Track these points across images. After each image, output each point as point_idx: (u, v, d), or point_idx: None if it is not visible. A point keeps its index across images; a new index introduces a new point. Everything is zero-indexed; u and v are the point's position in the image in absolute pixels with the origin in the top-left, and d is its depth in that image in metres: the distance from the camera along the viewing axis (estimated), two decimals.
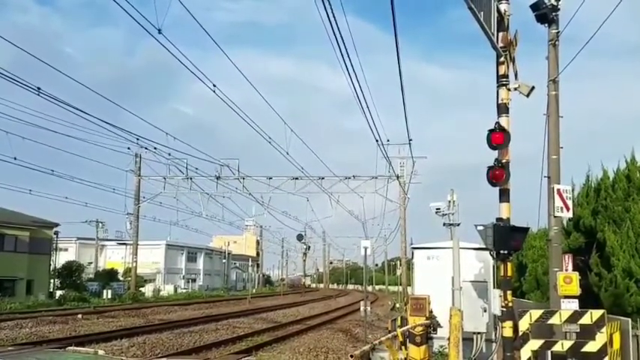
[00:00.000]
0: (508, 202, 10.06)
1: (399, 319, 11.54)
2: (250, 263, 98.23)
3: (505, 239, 9.74)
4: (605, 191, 15.72)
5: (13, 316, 27.26)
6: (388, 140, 33.04)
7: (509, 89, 10.22)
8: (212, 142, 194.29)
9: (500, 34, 9.96)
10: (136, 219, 47.42)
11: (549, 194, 11.63)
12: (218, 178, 40.81)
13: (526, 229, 10.84)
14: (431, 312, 9.98)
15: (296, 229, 75.99)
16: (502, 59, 10.12)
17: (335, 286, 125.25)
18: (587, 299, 12.16)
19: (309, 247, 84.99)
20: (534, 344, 9.95)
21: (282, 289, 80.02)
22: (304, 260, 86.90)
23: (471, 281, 13.76)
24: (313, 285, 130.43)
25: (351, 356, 7.03)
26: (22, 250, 44.02)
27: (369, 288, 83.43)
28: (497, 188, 10.07)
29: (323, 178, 40.80)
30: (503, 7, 10.11)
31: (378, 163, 46.78)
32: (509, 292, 9.97)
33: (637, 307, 13.21)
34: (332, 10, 9.24)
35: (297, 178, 40.50)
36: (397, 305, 39.84)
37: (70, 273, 51.06)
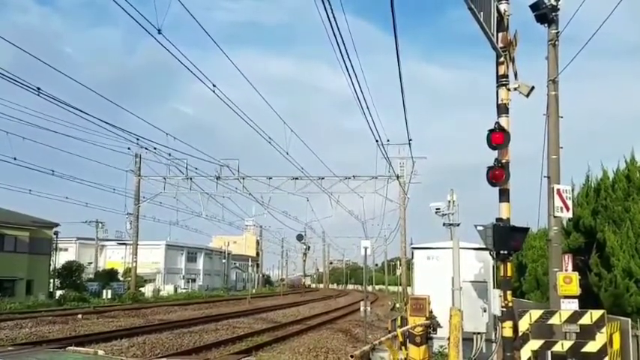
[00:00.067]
0: (508, 202, 10.06)
1: (399, 319, 11.55)
2: (250, 263, 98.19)
3: (505, 239, 9.74)
4: (605, 191, 15.72)
5: (13, 316, 27.27)
6: (388, 140, 33.03)
7: (509, 89, 10.22)
8: (212, 142, 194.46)
9: (500, 34, 9.97)
10: (135, 219, 47.42)
11: (549, 194, 11.62)
12: (218, 178, 40.82)
13: (526, 229, 10.84)
14: (431, 312, 9.98)
15: (296, 229, 76.07)
16: (502, 59, 10.12)
17: (335, 286, 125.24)
18: (587, 299, 12.15)
19: (309, 247, 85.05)
20: (534, 344, 9.95)
21: (282, 289, 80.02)
22: (304, 260, 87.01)
23: (470, 281, 13.76)
24: (313, 285, 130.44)
25: (351, 356, 7.03)
26: (22, 250, 44.02)
27: (369, 288, 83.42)
28: (497, 188, 10.07)
29: (323, 178, 40.81)
30: (503, 7, 10.12)
31: (378, 163, 46.76)
32: (509, 292, 9.97)
33: (637, 307, 13.20)
34: (332, 10, 9.25)
35: (297, 178, 40.51)
36: (397, 305, 39.84)
37: (70, 273, 51.07)
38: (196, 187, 42.66)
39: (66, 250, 70.25)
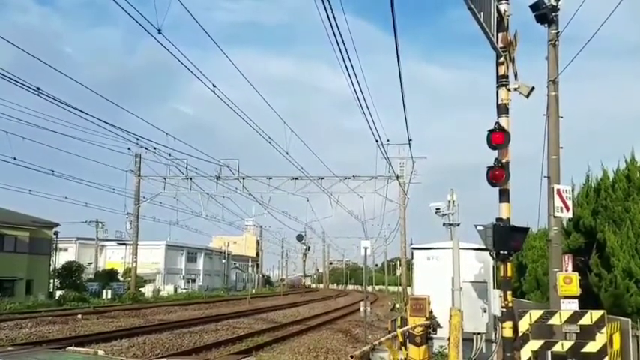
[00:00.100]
0: (508, 202, 10.06)
1: (399, 319, 11.55)
2: (250, 263, 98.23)
3: (505, 239, 9.74)
4: (604, 191, 15.72)
5: (13, 316, 27.27)
6: (388, 140, 33.03)
7: (509, 89, 10.22)
8: (212, 142, 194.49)
9: (500, 34, 9.96)
10: (135, 219, 47.42)
11: (549, 194, 11.63)
12: (218, 178, 40.83)
13: (526, 230, 10.84)
14: (431, 312, 9.99)
15: (296, 229, 76.03)
16: (502, 59, 10.12)
17: (335, 286, 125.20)
18: (587, 299, 12.16)
19: (309, 247, 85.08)
20: (534, 344, 9.95)
21: (282, 289, 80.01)
22: (304, 260, 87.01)
23: (470, 281, 13.76)
24: (313, 285, 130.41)
25: (351, 356, 7.03)
26: (21, 250, 44.03)
27: (369, 288, 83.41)
28: (497, 188, 10.07)
29: (323, 179, 40.82)
30: (503, 7, 10.12)
31: (378, 164, 46.78)
32: (509, 293, 9.97)
33: (637, 308, 13.20)
34: (332, 10, 9.24)
35: (297, 179, 40.52)
36: (397, 305, 39.84)
37: (70, 273, 51.08)
38: (196, 187, 42.73)
39: (66, 250, 70.24)
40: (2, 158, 28.36)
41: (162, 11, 12.81)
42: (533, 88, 10.43)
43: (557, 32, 12.08)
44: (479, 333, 13.71)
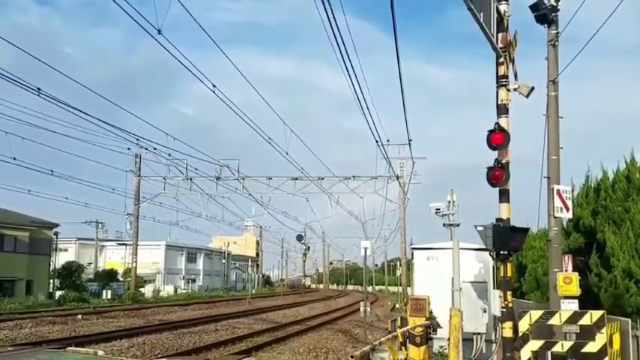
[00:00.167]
0: (508, 202, 10.06)
1: (398, 319, 11.56)
2: (250, 264, 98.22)
3: (505, 240, 9.74)
4: (604, 192, 15.72)
5: (13, 317, 27.25)
6: (388, 141, 33.03)
7: (508, 90, 10.22)
8: (212, 142, 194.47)
9: (500, 34, 9.97)
10: (135, 219, 47.42)
11: (549, 195, 11.63)
12: (218, 178, 40.84)
13: (526, 230, 10.84)
14: (431, 312, 9.99)
15: (296, 229, 75.99)
16: (502, 60, 10.12)
17: (335, 286, 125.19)
18: (587, 300, 12.15)
19: (309, 247, 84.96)
20: (534, 345, 9.95)
21: (282, 289, 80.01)
22: (304, 261, 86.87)
23: (470, 282, 13.77)
24: (313, 285, 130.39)
25: (351, 357, 7.03)
26: (21, 250, 44.02)
27: (369, 288, 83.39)
28: (497, 189, 10.07)
29: (323, 179, 40.83)
30: (502, 7, 10.12)
31: (378, 164, 46.83)
32: (509, 293, 9.97)
33: (637, 308, 13.21)
34: (332, 10, 9.25)
35: (296, 179, 40.53)
36: (397, 306, 39.84)
37: (70, 273, 51.08)
38: (196, 187, 42.75)
39: (66, 250, 70.23)
40: (2, 158, 28.40)
41: (162, 11, 12.86)
42: (533, 88, 10.43)
43: (557, 32, 12.08)
44: (479, 333, 13.71)
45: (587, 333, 9.67)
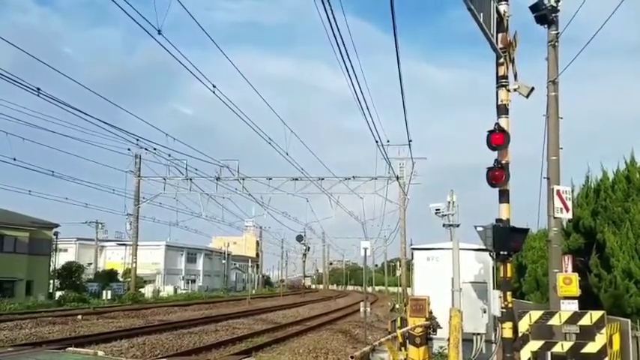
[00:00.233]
0: (508, 202, 10.07)
1: (398, 320, 11.56)
2: (250, 264, 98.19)
3: (505, 240, 9.74)
4: (604, 192, 15.72)
5: (13, 317, 27.24)
6: (388, 141, 33.10)
7: (508, 90, 10.22)
8: (212, 142, 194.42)
9: (500, 35, 9.97)
10: (135, 220, 47.42)
11: (549, 195, 11.63)
12: (218, 178, 40.85)
13: (526, 230, 10.85)
14: (430, 313, 9.98)
15: (296, 229, 76.00)
16: (501, 60, 10.12)
17: (334, 287, 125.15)
18: (587, 300, 12.16)
19: (309, 247, 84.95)
20: (534, 345, 9.95)
21: (282, 290, 80.00)
22: (304, 261, 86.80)
23: (470, 282, 13.78)
24: (313, 286, 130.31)
25: (351, 357, 7.03)
26: (21, 250, 44.01)
27: (369, 289, 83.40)
28: (497, 189, 10.07)
29: (323, 179, 40.83)
30: (502, 8, 10.13)
31: (378, 164, 46.81)
32: (508, 293, 9.97)
33: (637, 308, 13.21)
34: (332, 10, 9.25)
35: (296, 179, 40.54)
36: (397, 306, 39.84)
37: (70, 274, 51.06)
38: (196, 187, 42.76)
39: (66, 250, 70.20)
40: (2, 159, 28.39)
41: (162, 12, 12.85)
42: (532, 88, 10.44)
43: (557, 33, 12.09)
44: (479, 334, 13.72)
45: (587, 333, 9.67)
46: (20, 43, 16.49)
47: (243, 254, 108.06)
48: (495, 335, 12.64)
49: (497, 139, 9.84)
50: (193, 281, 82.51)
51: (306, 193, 43.25)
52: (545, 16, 11.88)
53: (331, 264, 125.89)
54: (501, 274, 10.12)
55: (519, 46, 10.34)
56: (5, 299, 37.52)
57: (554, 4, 11.81)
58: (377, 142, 21.47)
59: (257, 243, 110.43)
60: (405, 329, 9.66)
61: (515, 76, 10.35)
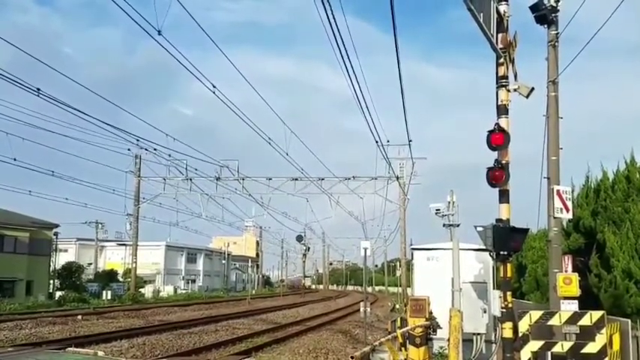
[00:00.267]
0: (508, 203, 10.07)
1: (398, 320, 11.55)
2: (250, 264, 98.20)
3: (505, 240, 9.74)
4: (604, 192, 15.72)
5: (13, 317, 27.24)
6: (388, 141, 33.10)
7: (508, 90, 10.23)
8: (212, 142, 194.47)
9: (500, 35, 9.97)
10: (135, 220, 47.41)
11: (549, 195, 11.63)
12: (218, 179, 40.85)
13: (526, 230, 10.85)
14: (430, 313, 9.98)
15: (296, 230, 76.01)
16: (501, 60, 10.13)
17: (335, 287, 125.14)
18: (587, 300, 12.15)
19: (309, 248, 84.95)
20: (534, 345, 9.95)
21: (282, 290, 80.00)
22: (304, 261, 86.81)
23: (470, 282, 13.77)
24: (313, 286, 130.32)
25: (352, 357, 7.03)
26: (21, 251, 44.01)
27: (369, 289, 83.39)
28: (497, 189, 10.07)
29: (323, 179, 40.82)
30: (502, 8, 10.13)
31: (378, 164, 46.80)
32: (508, 293, 9.97)
33: (637, 308, 13.20)
34: (332, 10, 9.26)
35: (296, 179, 40.53)
36: (397, 306, 39.83)
37: (70, 274, 51.06)
38: (196, 187, 42.76)
39: (66, 251, 70.19)
40: (2, 159, 28.38)
41: (162, 12, 12.84)
42: (532, 88, 10.44)
43: (557, 33, 12.09)
44: (479, 334, 13.72)
45: (587, 333, 9.67)
46: (20, 43, 16.50)
47: (243, 254, 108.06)
48: (495, 335, 12.64)
49: (497, 139, 9.84)
50: (193, 281, 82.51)
51: (306, 193, 43.29)
52: (545, 16, 11.88)
53: (331, 264, 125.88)
54: (501, 274, 10.12)
55: (519, 46, 10.35)
56: (5, 299, 37.53)
57: (554, 4, 11.82)
58: (377, 142, 21.50)
59: (257, 243, 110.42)
60: (405, 329, 9.65)
61: (515, 76, 10.35)
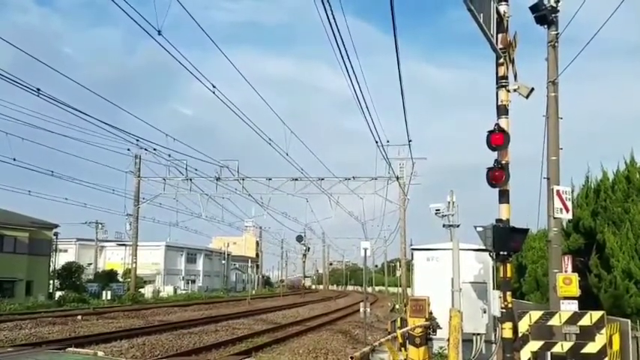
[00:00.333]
0: (508, 203, 10.07)
1: (398, 320, 11.56)
2: (250, 264, 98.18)
3: (505, 240, 9.74)
4: (604, 192, 15.73)
5: (13, 317, 27.24)
6: (388, 141, 33.12)
7: (508, 91, 10.23)
8: (212, 143, 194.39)
9: (500, 35, 9.98)
10: (135, 220, 47.41)
11: (549, 195, 11.63)
12: (218, 179, 40.86)
13: (526, 230, 10.85)
14: (430, 313, 9.98)
15: (296, 230, 76.05)
16: (501, 61, 10.13)
17: (334, 287, 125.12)
18: (587, 300, 12.16)
19: (309, 248, 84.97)
20: (534, 345, 9.95)
21: (282, 290, 79.99)
22: (304, 261, 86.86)
23: (470, 282, 13.77)
24: (313, 286, 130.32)
25: (351, 357, 7.03)
26: (21, 251, 44.02)
27: (369, 289, 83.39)
28: (497, 189, 10.08)
29: (323, 179, 40.83)
30: (502, 8, 10.13)
31: (378, 164, 46.79)
32: (508, 294, 9.97)
33: (636, 309, 13.21)
34: (332, 10, 9.27)
35: (296, 179, 40.54)
36: (397, 306, 39.84)
37: (70, 274, 51.07)
38: (196, 188, 42.78)
39: (65, 251, 70.17)
40: (2, 159, 28.39)
41: (162, 12, 12.85)
42: (532, 89, 10.45)
43: (557, 33, 12.09)
44: (478, 334, 13.72)
45: (587, 334, 9.67)
46: (20, 44, 16.53)
47: (243, 254, 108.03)
48: (495, 335, 12.64)
49: (497, 139, 9.85)
50: (193, 281, 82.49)
51: (306, 194, 43.30)
52: (545, 16, 11.88)
53: (331, 264, 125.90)
54: (501, 275, 10.12)
55: (519, 47, 10.35)
56: (5, 299, 37.53)
57: (554, 5, 11.82)
58: (377, 142, 21.53)
59: (257, 243, 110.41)
60: (404, 329, 9.66)
61: (515, 77, 10.36)
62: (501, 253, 9.83)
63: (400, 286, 47.14)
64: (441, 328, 10.23)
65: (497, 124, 9.95)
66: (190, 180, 41.70)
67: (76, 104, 21.49)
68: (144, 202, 47.50)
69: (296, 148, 29.06)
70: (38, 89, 18.25)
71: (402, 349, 9.65)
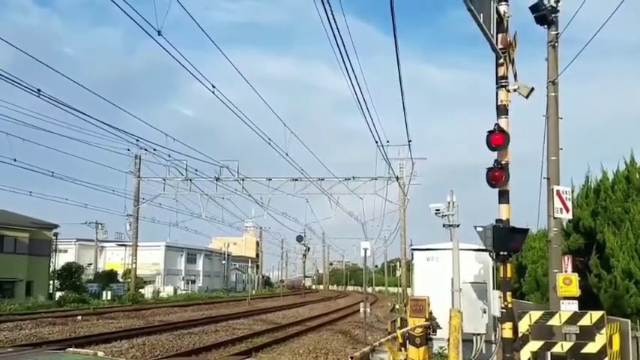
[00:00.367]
0: (507, 203, 10.07)
1: (398, 320, 11.55)
2: (250, 264, 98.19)
3: (504, 240, 9.75)
4: (604, 192, 15.73)
5: (13, 318, 27.25)
6: (388, 141, 33.13)
7: (508, 90, 10.23)
8: (212, 143, 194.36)
9: (500, 35, 9.98)
10: (135, 220, 47.40)
11: (549, 195, 11.63)
12: (218, 179, 40.85)
13: (525, 230, 10.85)
14: (430, 313, 9.99)
15: (296, 230, 76.14)
16: (501, 61, 10.14)
17: (335, 287, 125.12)
18: (587, 300, 12.16)
19: (309, 248, 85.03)
20: (534, 345, 9.95)
21: (282, 290, 79.99)
22: (304, 261, 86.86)
23: (470, 282, 13.77)
24: (313, 286, 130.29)
25: (351, 357, 7.03)
26: (21, 251, 44.03)
27: (369, 289, 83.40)
28: (497, 189, 10.08)
29: (322, 180, 40.82)
30: (502, 8, 10.14)
31: (378, 165, 46.88)
32: (508, 294, 9.98)
33: (637, 309, 13.21)
34: (332, 10, 9.27)
35: (296, 180, 40.54)
36: (397, 306, 39.84)
37: (70, 274, 51.08)
38: (196, 188, 42.77)
39: (65, 251, 70.21)
40: (2, 160, 28.40)
41: (162, 12, 12.85)
42: (532, 89, 10.45)
43: (557, 33, 12.09)
44: (479, 334, 13.71)
45: (587, 334, 9.67)
46: (20, 44, 16.56)
47: (243, 255, 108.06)
48: (495, 335, 12.63)
49: (497, 139, 9.85)
50: (193, 282, 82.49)
51: (306, 194, 43.29)
52: (545, 16, 11.88)
53: (331, 264, 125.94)
54: (501, 275, 10.13)
55: (519, 47, 10.36)
56: (5, 300, 37.53)
57: (554, 5, 11.82)
58: (377, 142, 21.54)
59: (257, 243, 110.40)
60: (404, 329, 9.66)
61: (515, 77, 10.36)
62: (501, 253, 9.84)
63: (400, 286, 47.14)
64: (441, 328, 10.23)
65: (497, 124, 9.96)
66: (190, 180, 41.72)
67: (76, 104, 21.56)
68: (144, 202, 47.53)
69: (296, 148, 29.05)
70: (38, 90, 18.26)
71: (402, 349, 9.65)
